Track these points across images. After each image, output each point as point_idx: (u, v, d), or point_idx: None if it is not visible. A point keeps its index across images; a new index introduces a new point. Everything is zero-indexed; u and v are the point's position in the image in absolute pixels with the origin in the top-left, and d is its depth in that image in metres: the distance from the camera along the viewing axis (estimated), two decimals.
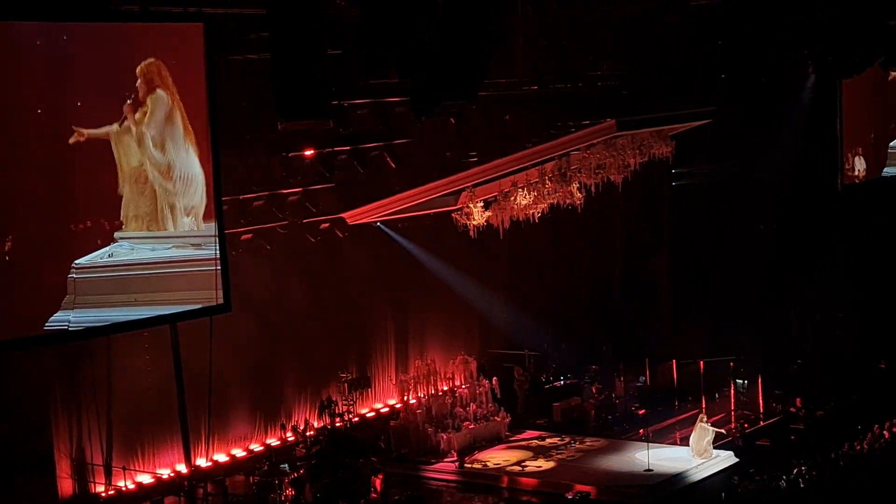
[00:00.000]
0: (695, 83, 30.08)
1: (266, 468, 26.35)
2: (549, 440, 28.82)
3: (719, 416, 29.91)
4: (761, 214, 34.66)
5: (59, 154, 19.13)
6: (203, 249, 21.45)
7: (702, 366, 31.31)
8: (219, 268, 21.27)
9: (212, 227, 21.44)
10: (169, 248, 21.07)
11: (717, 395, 31.13)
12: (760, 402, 30.58)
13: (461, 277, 31.62)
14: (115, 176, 20.03)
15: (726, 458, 26.63)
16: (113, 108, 19.67)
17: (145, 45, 19.66)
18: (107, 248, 20.05)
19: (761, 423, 29.46)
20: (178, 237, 21.13)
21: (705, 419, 26.92)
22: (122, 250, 20.29)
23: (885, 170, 33.86)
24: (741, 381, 31.36)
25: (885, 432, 25.55)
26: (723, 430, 27.63)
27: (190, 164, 20.87)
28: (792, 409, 29.72)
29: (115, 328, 20.54)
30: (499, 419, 29.17)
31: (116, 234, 20.18)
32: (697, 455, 26.31)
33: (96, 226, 19.97)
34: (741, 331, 31.92)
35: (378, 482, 25.10)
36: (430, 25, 19.28)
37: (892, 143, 33.94)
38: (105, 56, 19.29)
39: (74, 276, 19.61)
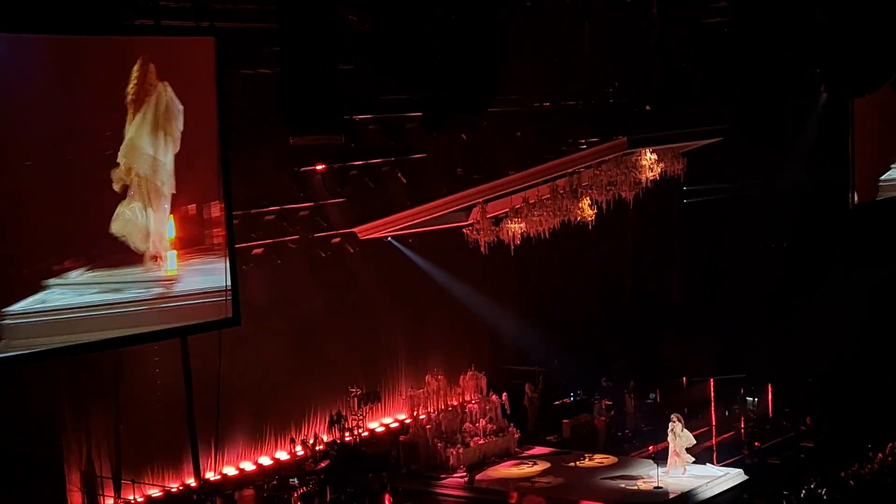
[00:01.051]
0: (707, 100, 30.08)
1: (275, 482, 26.35)
2: (558, 457, 28.79)
3: (730, 434, 29.90)
4: (772, 232, 34.65)
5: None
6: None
7: (712, 383, 31.27)
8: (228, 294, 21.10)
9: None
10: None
11: (727, 413, 31.07)
12: (770, 419, 30.51)
13: (471, 293, 31.63)
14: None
15: (736, 476, 26.56)
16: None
17: (157, 58, 19.69)
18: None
19: (771, 441, 29.38)
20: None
21: (680, 426, 26.69)
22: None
23: None
24: (751, 399, 31.32)
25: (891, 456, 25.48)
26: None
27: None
28: (802, 427, 29.64)
29: (125, 341, 20.53)
30: (508, 435, 29.14)
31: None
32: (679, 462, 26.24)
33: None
34: (751, 348, 31.89)
35: (387, 498, 25.10)
36: (442, 41, 19.33)
37: None
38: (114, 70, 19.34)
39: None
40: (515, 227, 28.14)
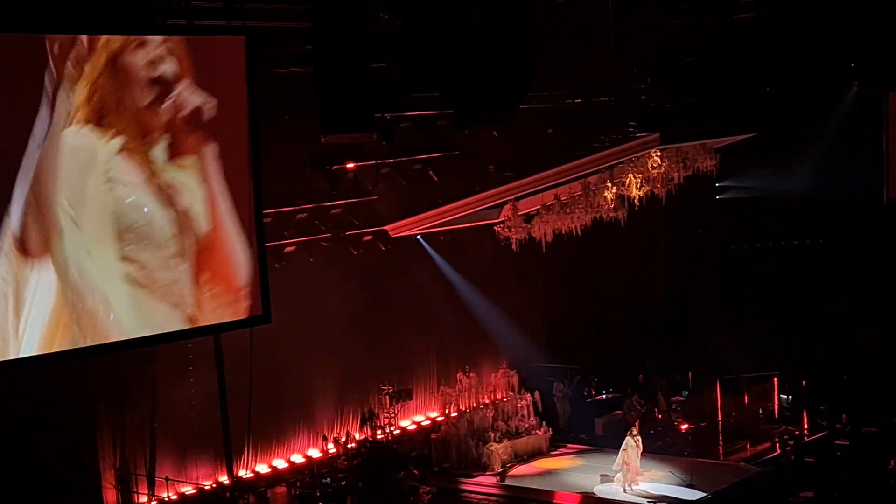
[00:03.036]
0: (739, 96, 29.94)
1: (308, 480, 26.41)
2: (590, 454, 28.72)
3: (764, 432, 29.79)
4: (805, 228, 34.47)
5: None
6: None
7: (745, 381, 31.16)
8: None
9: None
10: None
11: (760, 411, 30.95)
12: (805, 417, 30.39)
13: (503, 290, 31.61)
14: None
15: (770, 475, 26.46)
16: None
17: (187, 57, 19.73)
18: None
19: (806, 440, 29.25)
20: None
21: (635, 432, 26.48)
22: None
23: None
24: (785, 397, 31.19)
25: None
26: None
27: None
28: (837, 426, 29.49)
29: (158, 339, 20.54)
30: (540, 433, 29.12)
31: None
32: (627, 476, 25.88)
33: None
34: (785, 345, 31.75)
35: (419, 495, 25.12)
36: (473, 39, 19.29)
37: None
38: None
39: None
40: (547, 225, 28.10)
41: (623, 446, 25.90)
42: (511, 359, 32.13)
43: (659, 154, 28.20)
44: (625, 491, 25.55)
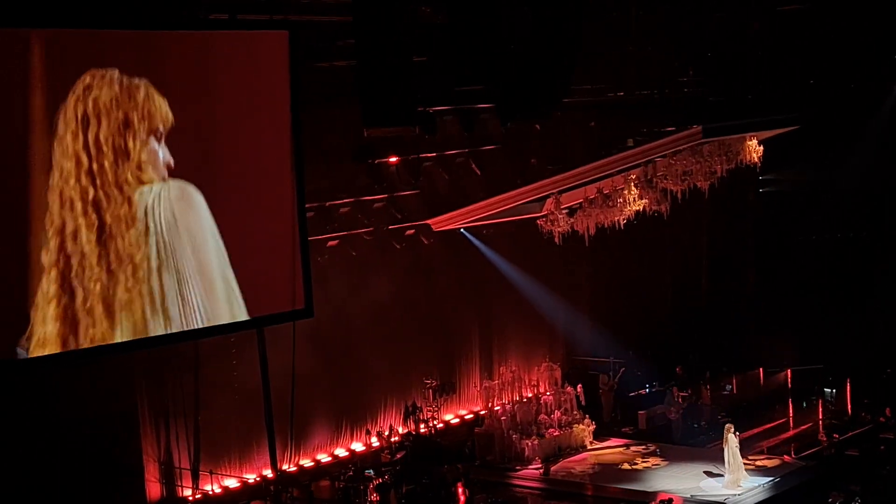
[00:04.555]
0: (782, 88, 29.77)
1: (351, 473, 26.46)
2: (633, 448, 28.65)
3: (807, 426, 29.63)
4: (850, 221, 34.25)
5: None
6: None
7: (789, 374, 31.01)
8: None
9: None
10: None
11: (804, 404, 30.80)
12: (849, 411, 30.20)
13: (546, 284, 31.57)
14: None
15: (813, 469, 26.31)
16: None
17: (231, 53, 19.78)
18: None
19: (850, 433, 29.08)
20: None
21: (733, 429, 26.24)
22: None
23: None
24: (829, 390, 31.03)
25: None
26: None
27: None
28: (881, 419, 29.30)
29: (202, 333, 20.62)
30: (583, 427, 29.06)
31: None
32: (730, 474, 25.56)
33: None
34: (829, 339, 31.57)
35: (462, 489, 25.13)
36: (516, 32, 19.25)
37: None
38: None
39: None
40: (589, 218, 28.03)
41: (726, 442, 25.61)
42: (554, 352, 32.11)
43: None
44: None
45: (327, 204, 26.20)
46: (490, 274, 30.96)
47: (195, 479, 25.24)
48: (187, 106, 19.08)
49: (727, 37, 29.38)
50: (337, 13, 21.23)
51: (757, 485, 25.29)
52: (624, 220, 28.22)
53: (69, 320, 17.48)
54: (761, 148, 28.40)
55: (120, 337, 18.02)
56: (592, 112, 29.37)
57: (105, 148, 17.68)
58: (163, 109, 18.32)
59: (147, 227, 18.22)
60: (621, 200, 27.97)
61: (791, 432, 29.35)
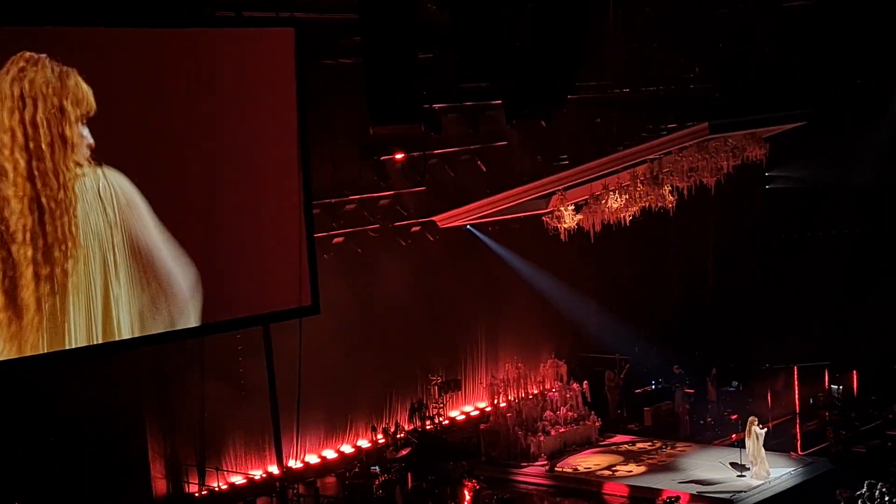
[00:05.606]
0: (788, 85, 29.74)
1: (357, 470, 26.47)
2: (639, 444, 28.64)
3: (815, 422, 29.60)
4: (855, 217, 34.20)
5: None
6: None
7: (796, 370, 30.98)
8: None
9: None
10: None
11: (811, 401, 30.77)
12: (856, 407, 30.16)
13: (551, 281, 31.57)
14: None
15: (822, 465, 26.29)
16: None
17: (237, 50, 19.81)
18: None
19: (857, 430, 29.04)
20: None
21: (757, 422, 26.28)
22: None
23: None
24: (836, 387, 30.98)
25: None
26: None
27: None
28: (889, 416, 29.26)
29: (207, 329, 20.68)
30: (589, 423, 29.05)
31: None
32: (755, 466, 25.68)
33: None
34: (835, 335, 31.54)
35: (468, 486, 25.12)
36: (521, 29, 19.28)
37: None
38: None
39: None
40: (595, 215, 28.02)
41: (750, 436, 25.61)
42: (560, 349, 32.12)
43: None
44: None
45: (333, 201, 26.19)
46: (495, 270, 30.97)
47: (201, 475, 25.28)
48: (194, 103, 19.15)
49: (733, 34, 29.41)
50: (343, 11, 21.26)
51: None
52: (630, 216, 28.21)
53: None
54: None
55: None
56: (598, 109, 29.34)
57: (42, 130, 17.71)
58: (89, 96, 18.17)
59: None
60: (627, 197, 27.97)
61: (797, 429, 29.30)
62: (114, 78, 18.33)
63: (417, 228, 28.80)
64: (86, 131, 18.00)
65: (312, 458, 27.37)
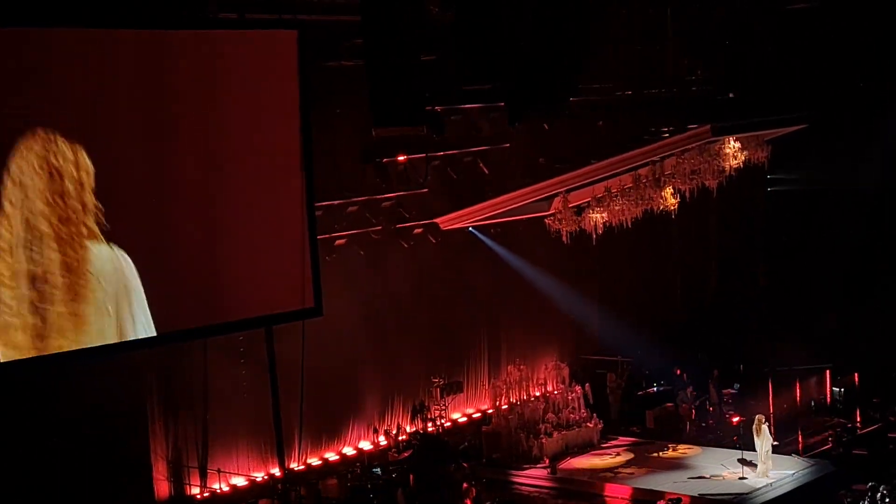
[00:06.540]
0: (791, 87, 29.71)
1: (359, 472, 26.49)
2: (641, 446, 28.63)
3: (816, 424, 29.59)
4: (858, 220, 34.19)
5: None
6: None
7: (798, 373, 30.97)
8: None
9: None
10: None
11: (813, 403, 30.76)
12: (858, 410, 30.17)
13: (554, 283, 31.56)
14: None
15: (823, 467, 26.30)
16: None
17: (240, 52, 19.81)
18: None
19: (859, 432, 29.04)
20: None
21: (765, 420, 26.30)
22: None
23: None
24: (838, 389, 30.98)
25: None
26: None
27: None
28: (891, 418, 29.25)
29: (210, 331, 20.67)
30: (591, 425, 29.06)
31: None
32: (762, 464, 25.77)
33: None
34: (837, 338, 31.53)
35: (469, 488, 25.13)
36: (523, 31, 19.26)
37: None
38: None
39: None
40: (597, 217, 28.01)
41: (758, 434, 25.67)
42: (562, 351, 32.12)
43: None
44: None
45: (336, 203, 26.20)
46: (498, 272, 30.96)
47: (203, 477, 25.28)
48: (196, 105, 19.13)
49: (736, 35, 29.38)
50: (346, 13, 21.26)
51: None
52: (632, 218, 28.21)
53: None
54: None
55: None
56: (600, 111, 29.33)
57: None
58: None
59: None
60: (629, 199, 27.97)
61: (799, 431, 29.29)
62: (114, 80, 18.32)
63: (420, 231, 28.82)
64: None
65: (314, 460, 27.36)
